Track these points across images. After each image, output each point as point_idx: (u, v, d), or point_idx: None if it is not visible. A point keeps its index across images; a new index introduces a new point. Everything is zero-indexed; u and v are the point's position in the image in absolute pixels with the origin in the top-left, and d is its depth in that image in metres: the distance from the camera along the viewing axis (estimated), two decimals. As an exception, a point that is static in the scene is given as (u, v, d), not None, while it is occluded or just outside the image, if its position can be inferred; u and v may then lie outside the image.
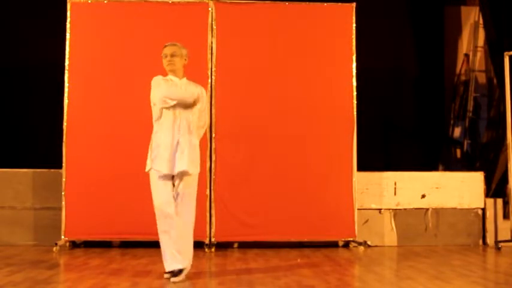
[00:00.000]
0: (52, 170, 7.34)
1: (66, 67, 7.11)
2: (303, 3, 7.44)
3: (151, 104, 5.32)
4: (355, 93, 7.33)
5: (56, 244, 6.92)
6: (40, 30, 8.43)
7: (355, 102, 7.32)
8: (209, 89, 7.16)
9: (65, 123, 7.07)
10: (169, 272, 5.20)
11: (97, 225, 6.94)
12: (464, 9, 9.65)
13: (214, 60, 7.21)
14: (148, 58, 6.93)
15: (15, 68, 8.61)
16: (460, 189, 7.69)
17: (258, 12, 7.35)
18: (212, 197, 7.08)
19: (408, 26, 9.50)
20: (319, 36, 7.37)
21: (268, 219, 7.12)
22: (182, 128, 5.22)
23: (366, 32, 7.75)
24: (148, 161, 5.27)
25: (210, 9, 7.26)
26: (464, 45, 9.62)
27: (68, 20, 7.15)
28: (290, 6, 7.40)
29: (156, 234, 5.29)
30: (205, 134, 7.06)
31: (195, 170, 5.27)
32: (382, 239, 7.56)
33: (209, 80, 7.17)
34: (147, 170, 5.26)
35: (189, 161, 5.18)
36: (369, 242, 7.39)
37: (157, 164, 5.17)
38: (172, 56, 5.37)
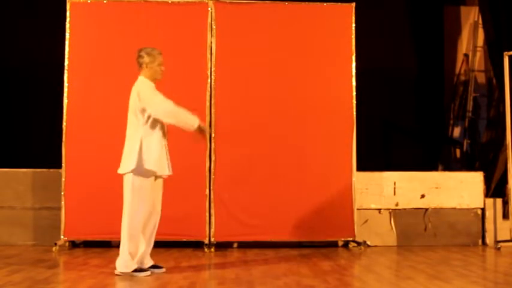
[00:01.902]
0: (51, 170, 7.33)
1: (66, 67, 7.11)
2: (303, 3, 7.44)
3: (139, 110, 5.37)
4: (354, 93, 7.32)
5: (56, 244, 6.92)
6: (40, 30, 8.43)
7: (354, 102, 7.32)
8: (208, 88, 7.17)
9: (64, 123, 7.07)
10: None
11: (96, 225, 6.93)
12: (463, 9, 9.65)
13: (213, 60, 7.21)
14: (148, 58, 6.93)
15: (15, 68, 8.61)
16: (460, 189, 7.68)
17: (258, 12, 7.35)
18: (212, 197, 7.08)
19: (408, 26, 9.50)
20: (319, 36, 7.37)
21: (267, 219, 7.12)
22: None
23: (366, 32, 7.75)
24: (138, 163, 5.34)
25: (209, 9, 7.26)
26: (463, 45, 9.62)
27: (68, 19, 7.15)
28: (290, 6, 7.39)
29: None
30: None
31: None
32: (381, 239, 7.56)
33: (209, 80, 7.18)
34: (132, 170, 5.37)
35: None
36: (368, 242, 7.38)
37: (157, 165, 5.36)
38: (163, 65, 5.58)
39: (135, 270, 5.34)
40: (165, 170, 5.46)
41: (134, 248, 5.37)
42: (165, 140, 5.49)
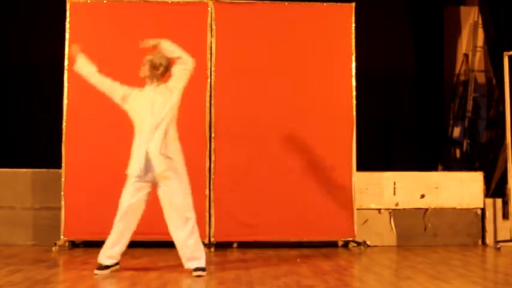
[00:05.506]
0: (51, 170, 7.33)
1: (66, 67, 7.11)
2: (303, 3, 7.44)
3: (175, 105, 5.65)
4: (354, 93, 7.33)
5: (55, 244, 6.92)
6: (40, 30, 8.42)
7: (354, 102, 7.32)
8: (208, 88, 7.17)
9: (64, 123, 7.07)
10: None
11: (96, 225, 6.90)
12: (463, 9, 9.64)
13: (213, 60, 7.21)
14: (147, 58, 6.93)
15: (15, 68, 8.61)
16: (460, 189, 7.68)
17: (258, 12, 7.35)
18: (211, 197, 7.08)
19: (408, 26, 9.50)
20: (318, 36, 7.37)
21: (267, 219, 7.12)
22: None
23: (366, 32, 7.75)
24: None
25: (209, 9, 7.26)
26: (463, 45, 9.62)
27: (68, 19, 7.15)
28: (290, 6, 7.40)
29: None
30: (204, 133, 7.11)
31: None
32: (381, 239, 7.56)
33: (208, 80, 7.18)
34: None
35: None
36: (368, 242, 7.38)
37: None
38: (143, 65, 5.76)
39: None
40: None
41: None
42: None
